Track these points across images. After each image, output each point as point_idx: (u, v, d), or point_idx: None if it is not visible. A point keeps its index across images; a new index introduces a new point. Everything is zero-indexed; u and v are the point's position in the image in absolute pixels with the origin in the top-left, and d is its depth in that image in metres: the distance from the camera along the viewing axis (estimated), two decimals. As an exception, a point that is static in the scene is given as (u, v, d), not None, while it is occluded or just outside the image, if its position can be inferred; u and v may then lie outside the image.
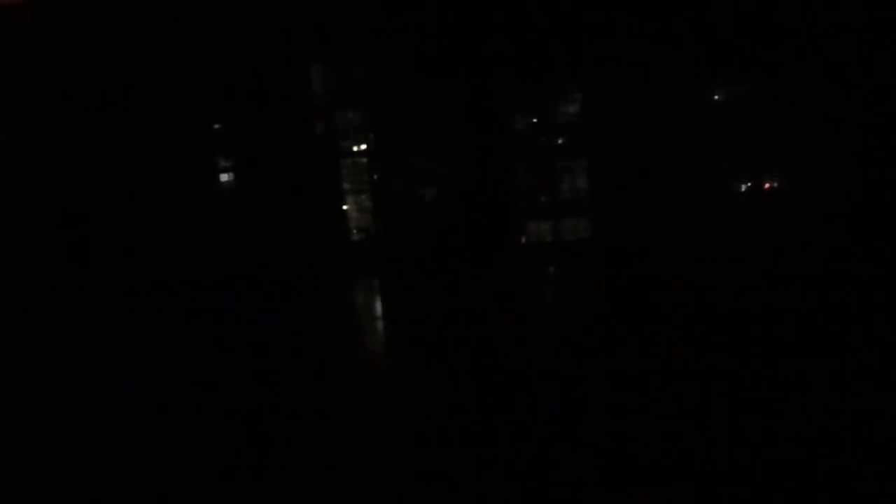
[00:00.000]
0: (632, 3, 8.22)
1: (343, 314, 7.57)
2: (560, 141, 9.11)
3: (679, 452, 3.02)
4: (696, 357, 4.46)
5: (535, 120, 9.09)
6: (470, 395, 4.13)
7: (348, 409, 4.18)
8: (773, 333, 4.90)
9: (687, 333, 5.12)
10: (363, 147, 9.54)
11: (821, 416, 3.27)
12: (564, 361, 4.72)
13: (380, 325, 7.16)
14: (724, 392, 3.75)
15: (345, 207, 9.50)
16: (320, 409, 4.13)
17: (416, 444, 3.45)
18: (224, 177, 9.72)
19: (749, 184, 8.43)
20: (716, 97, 8.38)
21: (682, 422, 3.37)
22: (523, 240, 8.99)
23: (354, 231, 9.60)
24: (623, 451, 3.07)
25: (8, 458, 3.70)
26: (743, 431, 3.17)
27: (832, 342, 4.52)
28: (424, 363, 5.05)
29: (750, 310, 5.62)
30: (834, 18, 7.73)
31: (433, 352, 5.32)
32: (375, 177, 9.38)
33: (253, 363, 5.47)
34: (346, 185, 9.48)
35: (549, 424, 3.50)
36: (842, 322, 4.98)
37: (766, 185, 8.36)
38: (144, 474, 3.28)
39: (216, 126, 9.64)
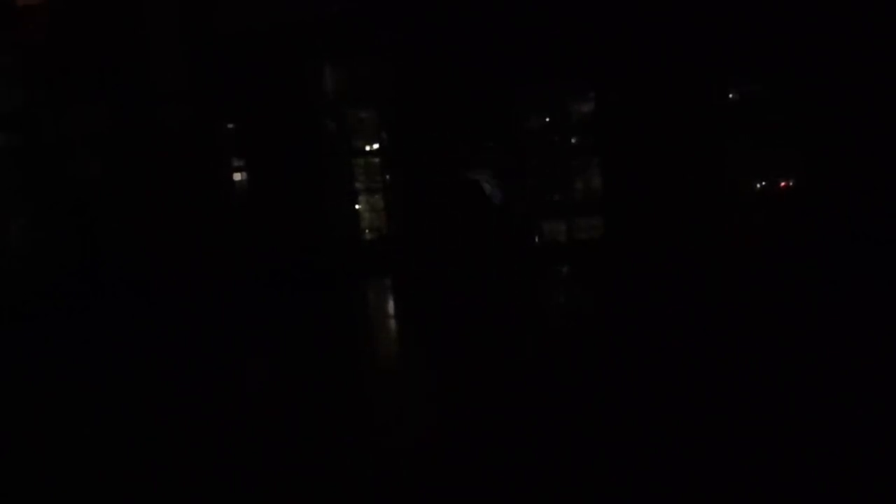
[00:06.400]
0: (644, 1, 8.23)
1: (355, 314, 7.54)
2: (572, 140, 9.11)
3: (691, 452, 3.00)
4: (710, 356, 4.44)
5: (547, 119, 9.09)
6: (486, 395, 4.09)
7: (361, 411, 4.14)
8: (787, 332, 4.90)
9: (701, 333, 5.11)
10: (375, 146, 9.52)
11: (835, 416, 3.25)
12: (580, 362, 4.70)
13: (393, 324, 7.13)
14: (738, 391, 3.74)
15: (357, 207, 9.47)
16: (332, 411, 4.09)
17: (432, 447, 3.41)
18: (235, 176, 9.70)
19: (763, 183, 8.43)
20: (730, 96, 8.38)
21: (695, 421, 3.35)
22: (536, 239, 8.97)
23: (366, 231, 9.56)
24: (636, 451, 3.05)
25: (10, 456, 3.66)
26: (754, 429, 3.16)
27: (845, 341, 4.50)
28: (439, 364, 5.01)
29: (764, 309, 5.61)
30: (847, 18, 7.75)
31: (447, 352, 5.28)
32: (388, 176, 9.36)
33: (264, 364, 5.44)
34: (357, 185, 9.46)
35: (566, 425, 3.48)
36: (854, 321, 4.97)
37: (782, 184, 8.36)
38: (156, 477, 3.25)
39: (227, 126, 9.62)
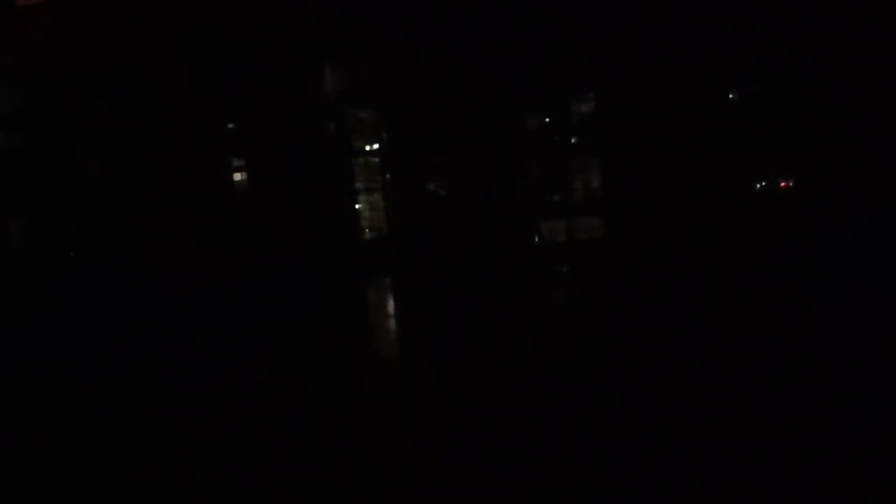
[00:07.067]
0: (644, 2, 8.22)
1: (355, 314, 7.53)
2: (572, 140, 9.11)
3: (691, 452, 3.00)
4: (710, 356, 4.44)
5: (547, 119, 9.08)
6: (486, 395, 4.09)
7: (361, 411, 4.14)
8: (787, 332, 4.90)
9: (701, 333, 5.10)
10: (375, 146, 9.53)
11: (835, 416, 3.24)
12: (579, 362, 4.69)
13: (393, 324, 7.12)
14: (738, 391, 3.74)
15: (357, 207, 9.47)
16: (332, 411, 4.08)
17: (432, 447, 3.40)
18: (235, 176, 9.69)
19: (763, 183, 8.42)
20: (730, 96, 8.37)
21: (695, 421, 3.35)
22: (536, 239, 8.96)
23: (366, 231, 9.56)
24: (636, 451, 3.04)
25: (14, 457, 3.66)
26: (754, 428, 3.16)
27: (845, 341, 4.50)
28: (439, 364, 5.00)
29: (763, 309, 5.61)
30: (848, 18, 7.74)
31: (447, 352, 5.27)
32: (388, 176, 9.36)
33: (264, 364, 5.43)
34: (358, 185, 9.46)
35: (566, 425, 3.48)
36: (854, 321, 4.96)
37: (782, 184, 8.35)
38: (156, 476, 3.25)
39: (227, 126, 9.62)
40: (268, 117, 9.16)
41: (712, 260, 7.64)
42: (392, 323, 7.20)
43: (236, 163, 9.73)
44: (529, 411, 3.74)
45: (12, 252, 9.29)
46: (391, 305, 8.26)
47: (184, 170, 9.10)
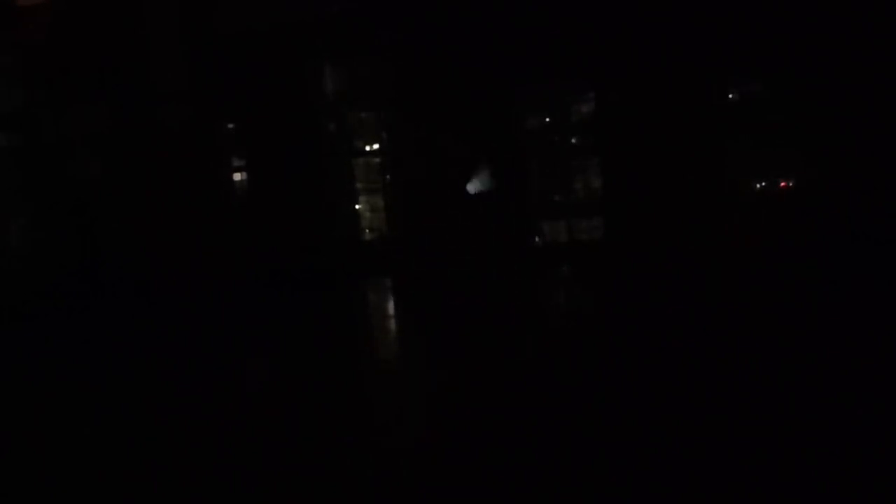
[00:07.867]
0: (644, 2, 8.22)
1: (355, 314, 7.53)
2: (573, 140, 9.11)
3: (691, 452, 3.00)
4: (710, 356, 4.44)
5: (547, 119, 9.09)
6: (486, 395, 4.09)
7: (361, 411, 4.14)
8: (787, 332, 4.90)
9: (701, 333, 5.10)
10: (375, 146, 9.53)
11: (835, 416, 3.24)
12: (580, 362, 4.69)
13: (393, 324, 7.12)
14: (738, 391, 3.73)
15: (357, 207, 9.47)
16: (332, 411, 4.09)
17: (432, 447, 3.40)
18: (235, 176, 9.70)
19: (763, 183, 8.42)
20: (730, 96, 8.38)
21: (695, 421, 3.35)
22: (536, 239, 8.96)
23: (366, 231, 9.57)
24: (636, 451, 3.04)
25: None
26: (754, 428, 3.16)
27: (845, 341, 4.50)
28: (439, 364, 5.00)
29: (763, 309, 5.60)
30: (848, 18, 7.74)
31: (447, 352, 5.27)
32: (388, 177, 9.36)
33: (264, 364, 5.44)
34: (358, 185, 9.46)
35: (566, 426, 3.48)
36: (854, 321, 4.96)
37: (782, 184, 8.35)
38: (156, 476, 3.25)
39: (227, 126, 9.62)
40: (268, 117, 9.17)
41: (712, 260, 7.64)
42: (392, 323, 7.19)
43: (236, 163, 9.74)
44: (529, 411, 3.74)
45: (12, 252, 9.30)
46: (391, 305, 8.26)
47: (184, 170, 9.10)
